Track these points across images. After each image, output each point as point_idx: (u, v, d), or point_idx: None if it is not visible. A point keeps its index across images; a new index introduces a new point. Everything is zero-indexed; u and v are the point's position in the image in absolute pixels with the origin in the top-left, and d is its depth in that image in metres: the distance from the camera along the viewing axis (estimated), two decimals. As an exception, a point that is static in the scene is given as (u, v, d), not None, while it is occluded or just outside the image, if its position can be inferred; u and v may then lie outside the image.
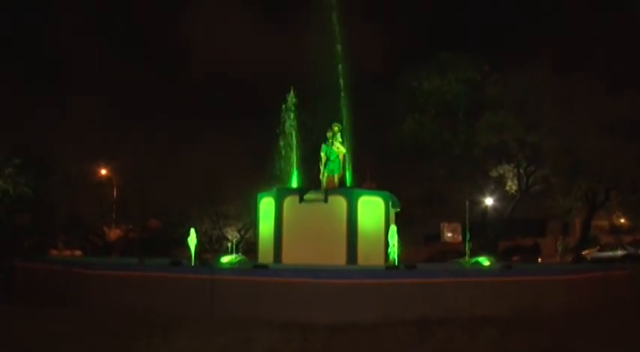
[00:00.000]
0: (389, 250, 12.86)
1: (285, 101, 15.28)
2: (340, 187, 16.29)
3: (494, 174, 29.79)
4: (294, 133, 15.62)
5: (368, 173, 17.51)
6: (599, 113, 26.13)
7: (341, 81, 16.94)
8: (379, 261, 14.25)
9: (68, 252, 27.45)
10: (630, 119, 25.99)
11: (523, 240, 35.76)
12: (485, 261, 13.99)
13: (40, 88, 42.17)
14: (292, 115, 15.47)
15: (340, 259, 14.83)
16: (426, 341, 8.30)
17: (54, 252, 26.55)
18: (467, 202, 14.56)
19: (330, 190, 15.81)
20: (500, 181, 30.08)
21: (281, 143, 15.71)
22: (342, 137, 16.71)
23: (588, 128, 25.98)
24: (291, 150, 15.71)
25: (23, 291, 13.47)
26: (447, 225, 47.26)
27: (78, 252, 27.66)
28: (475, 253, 14.85)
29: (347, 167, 16.90)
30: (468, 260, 14.26)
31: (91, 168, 30.69)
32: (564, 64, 28.47)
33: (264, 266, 11.80)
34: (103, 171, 32.45)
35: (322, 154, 16.66)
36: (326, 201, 15.38)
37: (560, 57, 29.59)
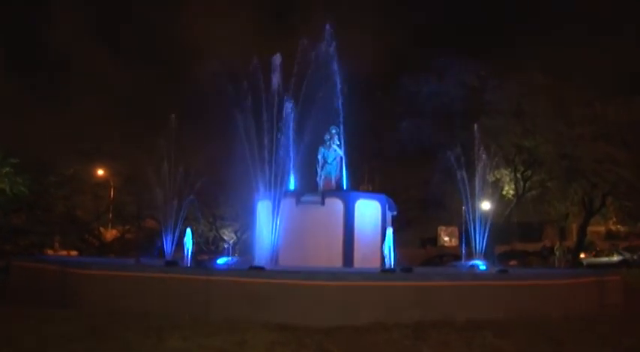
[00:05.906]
0: (385, 253, 12.89)
1: (282, 104, 15.31)
2: (337, 190, 16.31)
3: (491, 178, 29.74)
4: (291, 135, 15.64)
5: (365, 176, 17.54)
6: (594, 118, 26.23)
7: (338, 84, 16.99)
8: (375, 264, 14.25)
9: (64, 252, 27.36)
10: (624, 124, 26.07)
11: (530, 245, 35.82)
12: (481, 265, 14.05)
13: (39, 89, 42.21)
14: (290, 117, 15.48)
15: (337, 261, 14.85)
16: (421, 345, 8.31)
17: (50, 252, 26.47)
18: (463, 206, 14.59)
19: (328, 192, 15.83)
20: (497, 185, 30.07)
21: (279, 145, 15.71)
22: (339, 140, 16.76)
23: (584, 133, 26.07)
24: (289, 152, 15.71)
25: (19, 291, 13.44)
26: (444, 228, 47.35)
27: (74, 252, 27.58)
28: (472, 257, 14.89)
29: (344, 170, 16.94)
30: (464, 263, 14.32)
31: (88, 169, 30.57)
32: (560, 70, 28.58)
33: (261, 268, 11.80)
34: (100, 172, 32.35)
35: (319, 157, 16.72)
36: (323, 203, 15.39)
37: (555, 63, 29.72)
